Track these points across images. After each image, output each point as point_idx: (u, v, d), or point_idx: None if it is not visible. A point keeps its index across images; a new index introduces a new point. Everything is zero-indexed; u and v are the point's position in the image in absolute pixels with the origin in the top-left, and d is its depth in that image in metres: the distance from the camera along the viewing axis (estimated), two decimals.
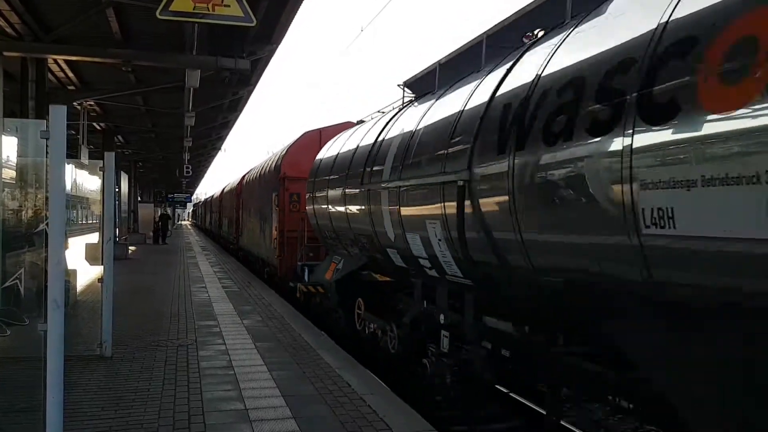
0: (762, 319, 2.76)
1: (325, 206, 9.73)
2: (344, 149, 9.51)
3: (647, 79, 3.24)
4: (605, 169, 3.44)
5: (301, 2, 9.64)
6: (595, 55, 3.89)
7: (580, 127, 3.70)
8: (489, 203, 4.80)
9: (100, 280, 7.05)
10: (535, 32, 5.27)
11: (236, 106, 18.73)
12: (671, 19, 3.26)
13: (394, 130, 7.46)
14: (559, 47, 4.44)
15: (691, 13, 3.17)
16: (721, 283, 2.93)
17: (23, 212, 8.77)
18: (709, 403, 3.18)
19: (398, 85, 8.99)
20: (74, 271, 9.95)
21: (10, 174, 8.74)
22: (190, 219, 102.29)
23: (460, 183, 4.96)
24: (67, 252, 6.18)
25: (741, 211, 2.64)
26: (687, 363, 3.26)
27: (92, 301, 9.60)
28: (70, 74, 13.87)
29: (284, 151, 14.89)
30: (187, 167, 28.27)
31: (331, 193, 9.39)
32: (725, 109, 2.72)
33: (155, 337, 8.07)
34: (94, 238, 14.36)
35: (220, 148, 33.19)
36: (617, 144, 3.33)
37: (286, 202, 13.64)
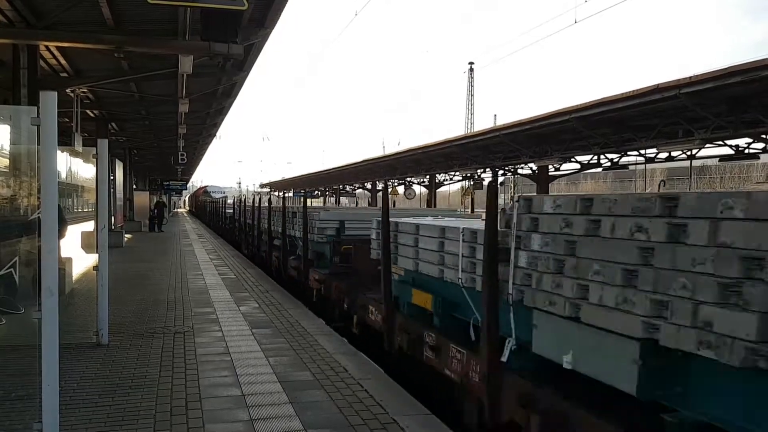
0: None
1: (200, 200, 73.40)
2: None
3: None
4: None
5: None
6: None
7: None
8: None
9: (96, 268, 7.03)
10: None
11: (230, 92, 18.58)
12: None
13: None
14: None
15: None
16: None
17: (18, 200, 8.69)
18: None
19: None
20: (69, 259, 9.93)
21: (3, 162, 8.67)
22: (186, 207, 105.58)
23: None
24: (62, 240, 6.15)
25: None
26: None
27: (88, 289, 9.58)
28: (63, 61, 13.74)
29: (196, 189, 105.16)
30: (182, 155, 28.12)
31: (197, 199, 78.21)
32: None
33: (152, 325, 8.07)
34: (89, 226, 14.36)
35: (215, 135, 32.97)
36: None
37: (198, 199, 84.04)
